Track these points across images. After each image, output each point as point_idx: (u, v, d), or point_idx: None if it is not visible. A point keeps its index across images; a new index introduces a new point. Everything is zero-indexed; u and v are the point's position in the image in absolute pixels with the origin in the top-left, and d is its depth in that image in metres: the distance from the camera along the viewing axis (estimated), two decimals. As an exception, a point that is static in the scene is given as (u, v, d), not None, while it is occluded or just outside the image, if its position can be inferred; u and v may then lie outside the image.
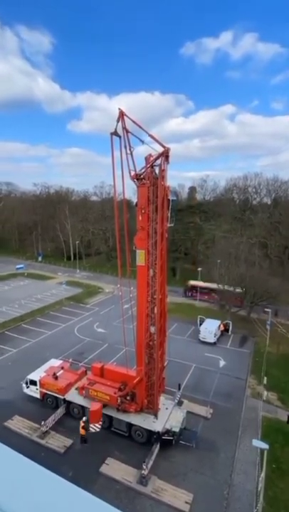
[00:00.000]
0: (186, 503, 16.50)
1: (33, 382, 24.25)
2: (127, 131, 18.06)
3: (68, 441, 20.41)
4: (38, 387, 24.05)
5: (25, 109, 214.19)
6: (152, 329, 19.83)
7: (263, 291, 42.08)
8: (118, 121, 17.79)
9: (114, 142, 18.02)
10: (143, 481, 17.50)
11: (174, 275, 71.24)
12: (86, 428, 19.88)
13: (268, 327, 34.79)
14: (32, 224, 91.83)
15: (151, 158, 18.03)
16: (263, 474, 16.55)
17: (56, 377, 23.89)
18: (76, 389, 23.49)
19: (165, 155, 17.79)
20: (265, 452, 16.00)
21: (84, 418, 20.44)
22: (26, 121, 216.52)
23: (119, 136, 18.05)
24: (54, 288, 57.67)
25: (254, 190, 75.87)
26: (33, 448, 19.53)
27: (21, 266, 71.54)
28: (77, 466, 18.50)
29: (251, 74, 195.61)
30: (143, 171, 18.39)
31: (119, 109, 17.72)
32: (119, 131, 17.98)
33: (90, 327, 40.29)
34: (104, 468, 18.47)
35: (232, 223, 72.14)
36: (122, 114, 17.72)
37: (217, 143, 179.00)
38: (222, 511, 16.28)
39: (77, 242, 78.20)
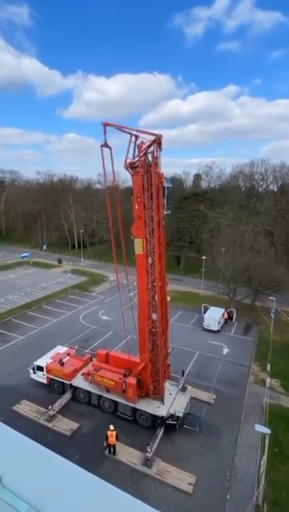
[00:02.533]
0: (190, 484, 16.98)
1: (40, 368, 24.76)
2: (120, 128, 18.06)
3: (75, 425, 20.95)
4: (44, 373, 24.56)
5: (17, 94, 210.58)
6: (154, 316, 19.99)
7: (268, 279, 41.95)
8: (105, 134, 17.93)
9: (105, 151, 18.15)
10: (148, 463, 17.99)
11: (179, 264, 71.24)
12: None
13: (272, 315, 34.82)
14: (36, 213, 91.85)
15: (144, 146, 17.79)
16: (264, 458, 16.91)
17: (62, 364, 24.34)
18: (82, 375, 23.98)
19: (157, 142, 17.52)
20: (267, 437, 16.29)
21: (111, 427, 19.02)
22: (20, 107, 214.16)
23: (110, 148, 18.25)
24: (59, 276, 58.10)
25: (260, 177, 74.74)
26: (41, 431, 20.07)
27: (26, 254, 72.07)
28: (84, 449, 19.04)
29: (250, 49, 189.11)
30: (136, 159, 18.13)
31: (103, 123, 17.83)
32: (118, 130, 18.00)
33: (95, 315, 40.74)
34: (109, 451, 18.98)
35: (238, 211, 71.40)
36: (105, 127, 17.81)
37: (220, 127, 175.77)
38: (224, 492, 16.75)
39: (81, 230, 78.21)
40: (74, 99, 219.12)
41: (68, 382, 23.59)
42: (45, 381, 24.73)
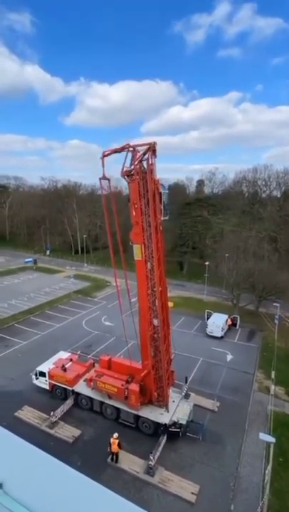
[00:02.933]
0: (193, 493, 16.70)
1: (43, 374, 24.67)
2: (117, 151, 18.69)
3: (77, 432, 20.79)
4: (47, 378, 24.47)
5: (20, 102, 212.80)
6: (155, 322, 19.93)
7: (271, 285, 41.71)
8: (104, 166, 18.86)
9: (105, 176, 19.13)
10: (150, 471, 17.76)
11: (182, 269, 71.10)
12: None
13: (277, 321, 34.54)
14: (40, 218, 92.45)
15: (139, 154, 18.01)
16: (269, 467, 16.62)
17: (65, 369, 24.25)
18: (84, 381, 23.86)
19: (152, 149, 17.77)
20: (272, 445, 16.04)
21: (115, 435, 18.71)
22: (23, 114, 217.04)
23: (108, 179, 19.21)
24: (62, 281, 58.22)
25: (263, 182, 74.75)
26: (43, 437, 19.94)
27: (30, 260, 72.44)
28: (86, 456, 18.85)
29: (252, 55, 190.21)
30: (132, 167, 18.33)
31: (101, 157, 18.74)
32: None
33: (97, 320, 40.67)
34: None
35: (241, 217, 71.35)
36: (102, 160, 18.72)
37: (222, 133, 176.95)
38: (228, 502, 16.45)
39: (84, 236, 78.54)
40: (76, 106, 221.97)
41: (70, 388, 23.47)
42: (47, 387, 24.62)
